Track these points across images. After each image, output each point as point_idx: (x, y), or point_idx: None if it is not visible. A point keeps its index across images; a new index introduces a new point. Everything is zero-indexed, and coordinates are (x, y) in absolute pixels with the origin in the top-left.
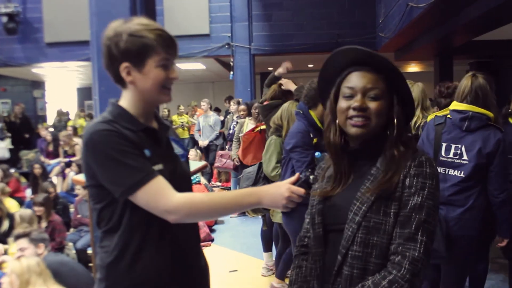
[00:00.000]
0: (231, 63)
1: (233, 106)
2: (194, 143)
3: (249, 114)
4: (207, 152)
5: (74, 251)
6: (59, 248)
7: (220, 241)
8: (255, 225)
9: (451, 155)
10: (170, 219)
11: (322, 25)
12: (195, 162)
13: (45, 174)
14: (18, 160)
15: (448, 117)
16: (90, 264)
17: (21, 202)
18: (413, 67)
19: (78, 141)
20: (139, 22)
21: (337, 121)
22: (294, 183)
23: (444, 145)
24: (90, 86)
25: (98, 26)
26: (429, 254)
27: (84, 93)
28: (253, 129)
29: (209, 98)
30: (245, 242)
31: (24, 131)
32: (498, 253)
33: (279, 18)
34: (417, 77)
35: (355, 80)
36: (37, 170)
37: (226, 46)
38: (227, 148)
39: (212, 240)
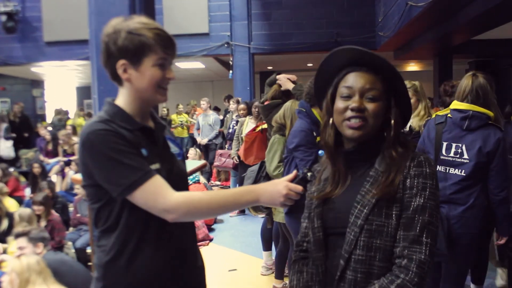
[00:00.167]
0: (231, 62)
1: (232, 105)
2: (194, 142)
3: (249, 113)
4: (207, 151)
5: (73, 250)
6: (58, 247)
7: (220, 240)
8: (255, 224)
9: (451, 154)
10: (168, 218)
11: (321, 24)
12: (194, 161)
13: (44, 173)
14: (17, 159)
15: (449, 116)
16: (89, 263)
17: (20, 201)
18: (412, 66)
19: (77, 140)
20: (138, 21)
21: (331, 121)
22: (291, 181)
23: (444, 144)
24: (90, 85)
25: (97, 25)
26: (433, 255)
27: (84, 92)
28: (254, 129)
29: (208, 97)
30: (244, 241)
31: (23, 130)
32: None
33: (279, 17)
34: (416, 76)
35: (353, 80)
36: (36, 169)
37: (226, 45)
38: (226, 147)
39: (211, 240)
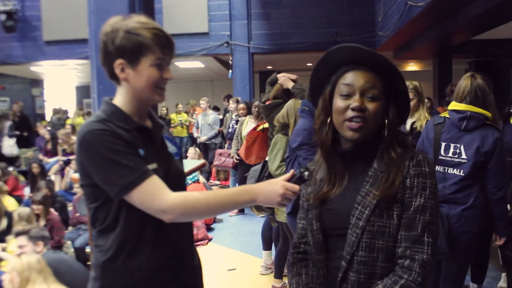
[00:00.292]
0: (230, 62)
1: (232, 105)
2: (193, 141)
3: (248, 112)
4: (206, 150)
5: (72, 250)
6: (57, 247)
7: (219, 240)
8: (254, 223)
9: (450, 154)
10: (165, 218)
11: (321, 23)
12: (193, 160)
13: (44, 173)
14: (17, 158)
15: (447, 117)
16: (89, 263)
17: (19, 200)
18: (412, 66)
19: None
20: (137, 20)
21: (328, 120)
22: (288, 180)
23: (443, 144)
24: (89, 85)
25: (97, 24)
26: (435, 253)
27: (83, 92)
28: (255, 128)
29: (208, 97)
30: (243, 240)
31: (22, 129)
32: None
33: (278, 17)
34: (416, 76)
35: (353, 78)
36: (35, 169)
37: (225, 45)
38: (226, 146)
39: (210, 239)
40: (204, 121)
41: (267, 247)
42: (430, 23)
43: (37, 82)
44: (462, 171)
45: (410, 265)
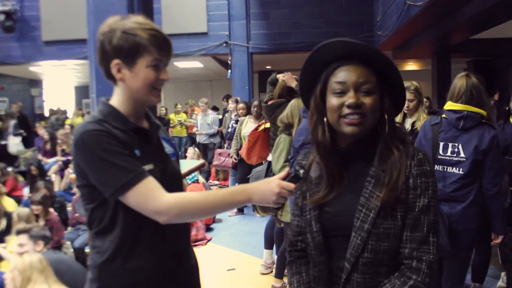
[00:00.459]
0: (229, 62)
1: (231, 105)
2: (192, 141)
3: (248, 112)
4: (205, 150)
5: (71, 250)
6: (57, 247)
7: (218, 240)
8: (253, 223)
9: (448, 153)
10: (160, 220)
11: (319, 23)
12: (193, 160)
13: (42, 174)
14: (16, 158)
15: (444, 117)
16: (88, 263)
17: (18, 200)
18: (411, 66)
19: None
20: (135, 20)
21: (325, 119)
22: (284, 178)
23: (441, 144)
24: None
25: (96, 24)
26: (438, 251)
27: (82, 92)
28: (256, 128)
29: (207, 97)
30: (243, 240)
31: (21, 129)
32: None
33: (277, 17)
34: (415, 76)
35: (345, 74)
36: (34, 171)
37: (224, 45)
38: (225, 146)
39: (209, 240)
40: (204, 121)
41: (268, 246)
42: (429, 22)
43: (36, 82)
44: (461, 169)
45: (418, 266)
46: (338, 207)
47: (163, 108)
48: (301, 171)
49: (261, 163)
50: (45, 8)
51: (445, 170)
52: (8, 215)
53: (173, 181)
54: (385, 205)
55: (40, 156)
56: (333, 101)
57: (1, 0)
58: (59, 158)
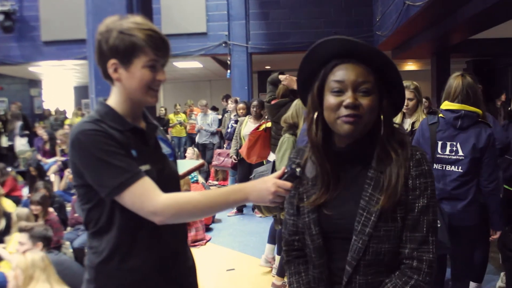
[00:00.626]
0: (228, 62)
1: (230, 105)
2: (192, 142)
3: (248, 112)
4: (204, 150)
5: (71, 250)
6: (56, 247)
7: (218, 240)
8: (253, 223)
9: (447, 152)
10: (156, 220)
11: (319, 23)
12: (192, 160)
13: (41, 174)
14: (15, 158)
15: (441, 116)
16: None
17: (18, 201)
18: (410, 66)
19: None
20: (132, 21)
21: (315, 117)
22: (280, 177)
23: (439, 143)
24: (87, 85)
25: (95, 25)
26: (437, 249)
27: (81, 92)
28: (257, 127)
29: (206, 97)
30: (242, 240)
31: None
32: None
33: (276, 17)
34: (414, 76)
35: (344, 73)
36: (33, 172)
37: (223, 45)
38: (225, 146)
39: (209, 240)
40: (204, 121)
41: (271, 241)
42: (428, 22)
43: (35, 83)
44: (460, 167)
45: (419, 266)
46: (337, 209)
47: (163, 108)
48: (298, 170)
49: (262, 163)
50: (44, 8)
51: (444, 168)
52: (7, 216)
53: (170, 181)
54: (385, 208)
55: (39, 156)
56: (330, 100)
57: (0, 0)
58: (59, 158)
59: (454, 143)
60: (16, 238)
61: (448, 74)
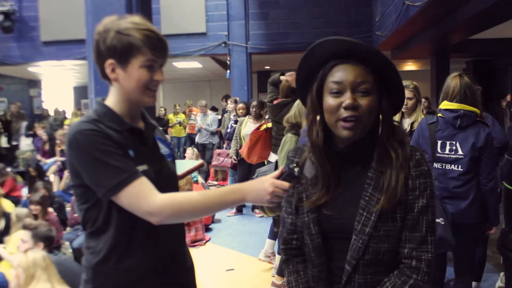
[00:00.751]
0: (228, 62)
1: (230, 105)
2: (192, 142)
3: (247, 112)
4: (204, 151)
5: (70, 250)
6: (55, 247)
7: (217, 240)
8: (252, 223)
9: (446, 151)
10: (152, 221)
11: (318, 23)
12: (191, 161)
13: (41, 175)
14: (15, 159)
15: (440, 116)
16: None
17: (17, 201)
18: (410, 66)
19: None
20: (130, 21)
21: (317, 118)
22: (278, 177)
23: (439, 142)
24: (87, 85)
25: (94, 25)
26: (436, 249)
27: (81, 92)
28: (258, 128)
29: (206, 97)
30: (242, 240)
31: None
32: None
33: (276, 17)
34: (414, 76)
35: (343, 74)
36: (33, 172)
37: (223, 45)
38: (224, 147)
39: (208, 240)
40: (203, 122)
41: (272, 236)
42: (428, 22)
43: (34, 83)
44: (460, 166)
45: (418, 265)
46: (337, 209)
47: (162, 109)
48: (296, 170)
49: (262, 163)
50: (44, 9)
51: (444, 167)
52: (6, 216)
53: (168, 182)
54: (385, 209)
55: (39, 157)
56: (330, 101)
57: (0, 1)
58: (58, 158)
59: (454, 142)
60: (18, 236)
61: (448, 74)
